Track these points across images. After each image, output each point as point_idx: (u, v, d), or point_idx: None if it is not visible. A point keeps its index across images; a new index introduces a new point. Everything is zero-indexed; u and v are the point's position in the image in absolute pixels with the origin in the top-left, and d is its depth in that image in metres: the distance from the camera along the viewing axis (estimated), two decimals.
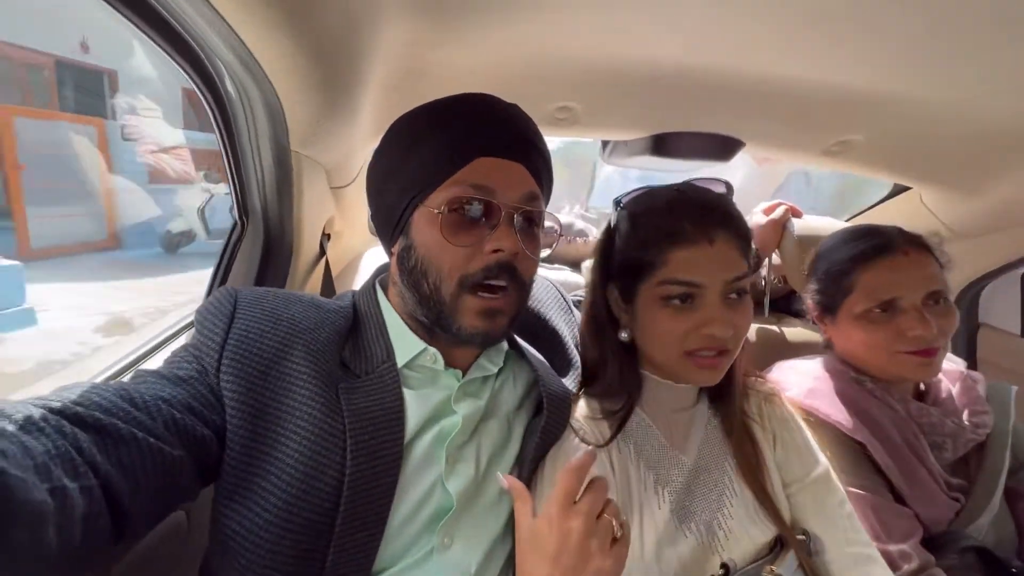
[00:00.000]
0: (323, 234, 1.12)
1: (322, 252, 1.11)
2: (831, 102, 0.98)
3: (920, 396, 0.92)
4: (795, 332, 1.44)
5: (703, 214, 0.67)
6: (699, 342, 0.66)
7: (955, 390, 0.92)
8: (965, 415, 0.89)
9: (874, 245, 0.88)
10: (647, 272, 0.68)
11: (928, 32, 0.71)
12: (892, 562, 0.74)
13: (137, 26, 0.53)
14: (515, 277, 0.62)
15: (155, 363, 0.64)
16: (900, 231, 0.89)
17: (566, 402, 0.71)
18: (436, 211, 0.60)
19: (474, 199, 0.60)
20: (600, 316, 0.75)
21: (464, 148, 0.61)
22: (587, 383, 0.77)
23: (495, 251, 0.60)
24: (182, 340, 0.84)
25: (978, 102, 0.93)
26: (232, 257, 0.90)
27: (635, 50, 0.84)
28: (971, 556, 0.83)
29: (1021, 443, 0.91)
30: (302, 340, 0.60)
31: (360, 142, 0.95)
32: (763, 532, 0.69)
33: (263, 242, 0.92)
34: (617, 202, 0.75)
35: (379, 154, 0.67)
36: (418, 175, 0.62)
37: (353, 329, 0.66)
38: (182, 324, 0.87)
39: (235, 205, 0.85)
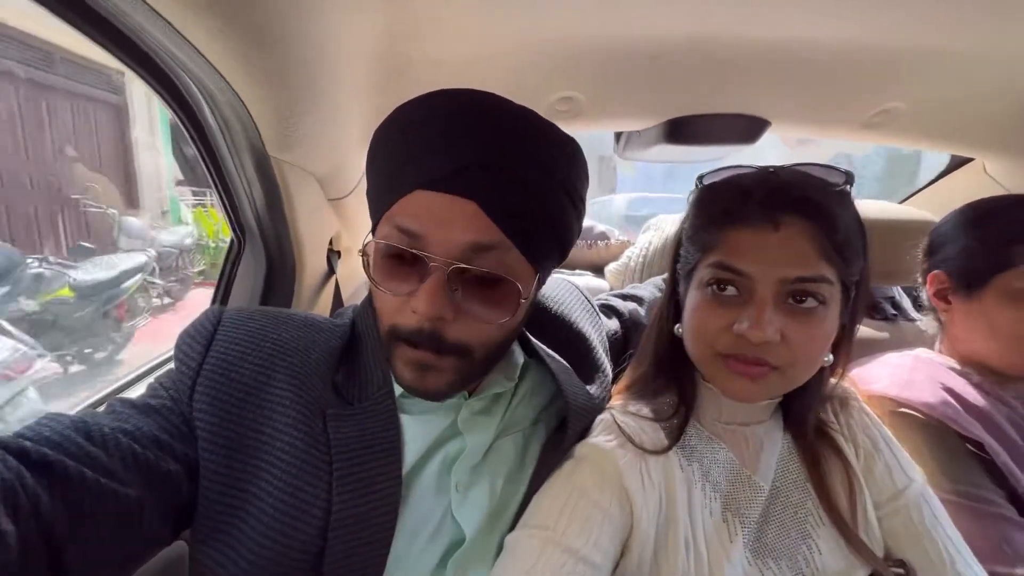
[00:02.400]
0: (331, 250, 1.09)
1: (331, 270, 1.09)
2: (864, 66, 0.88)
3: None
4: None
5: (773, 193, 0.55)
6: (731, 344, 0.55)
7: None
8: None
9: None
10: (704, 253, 0.58)
11: None
12: None
13: (94, 39, 0.51)
14: (443, 345, 0.51)
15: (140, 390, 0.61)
16: None
17: (591, 415, 0.64)
18: (361, 251, 0.53)
19: (395, 249, 0.50)
20: (665, 306, 0.66)
21: (399, 177, 0.50)
22: (632, 383, 0.68)
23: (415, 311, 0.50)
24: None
25: None
26: (231, 278, 0.88)
27: (636, 26, 0.78)
28: None
29: None
30: (287, 363, 0.54)
31: (352, 148, 0.92)
32: (859, 568, 0.58)
33: (264, 261, 0.89)
34: (700, 178, 0.65)
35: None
36: (371, 203, 0.55)
37: (349, 349, 0.60)
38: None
39: (229, 222, 0.83)
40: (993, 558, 0.61)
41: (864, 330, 1.28)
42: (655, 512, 0.57)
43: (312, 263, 0.99)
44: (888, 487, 0.62)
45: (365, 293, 1.29)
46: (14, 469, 0.39)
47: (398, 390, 0.57)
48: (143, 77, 0.59)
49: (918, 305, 1.31)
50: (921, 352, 0.85)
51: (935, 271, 0.84)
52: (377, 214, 0.54)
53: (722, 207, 0.58)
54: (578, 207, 0.57)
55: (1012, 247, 0.75)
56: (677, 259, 0.65)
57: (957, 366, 0.79)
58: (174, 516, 0.50)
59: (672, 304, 0.65)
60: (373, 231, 0.56)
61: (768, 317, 0.52)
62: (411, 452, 0.55)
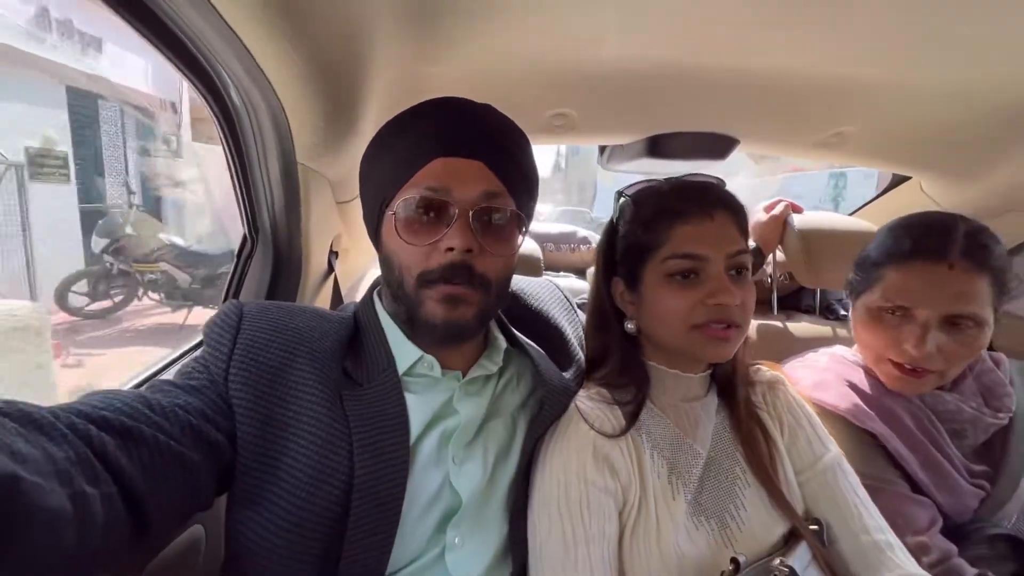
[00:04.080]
0: (331, 251, 1.14)
1: (330, 269, 1.13)
2: (822, 94, 1.00)
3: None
4: (802, 328, 1.43)
5: (702, 193, 0.69)
6: (706, 314, 0.66)
7: (972, 374, 0.88)
8: (985, 399, 0.86)
9: (920, 246, 0.79)
10: (652, 252, 0.69)
11: (913, 17, 0.72)
12: (910, 554, 0.71)
13: (143, 35, 0.55)
14: (474, 276, 0.62)
15: (168, 375, 0.65)
16: (971, 234, 0.78)
17: (566, 394, 0.72)
18: (392, 213, 0.63)
19: (425, 199, 0.61)
20: (605, 308, 0.76)
21: (420, 151, 0.62)
22: (592, 372, 0.77)
23: (449, 249, 0.60)
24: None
25: (970, 86, 0.94)
26: (243, 273, 0.92)
27: (626, 52, 0.87)
28: (1003, 545, 0.80)
29: None
30: (306, 349, 0.61)
31: None
32: (779, 523, 0.68)
33: (273, 259, 0.94)
34: (619, 193, 0.76)
35: (359, 168, 0.71)
36: (383, 181, 0.65)
37: (355, 339, 0.67)
38: (193, 343, 0.89)
39: (244, 221, 0.87)
40: (890, 528, 0.71)
41: (817, 328, 1.42)
42: (632, 480, 0.67)
43: (316, 262, 1.03)
44: (808, 455, 0.74)
45: (360, 290, 1.35)
46: (96, 439, 0.44)
47: (400, 369, 0.65)
48: (196, 87, 0.63)
49: None
50: (837, 350, 0.95)
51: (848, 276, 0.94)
52: (395, 187, 0.63)
53: (664, 210, 0.70)
54: (536, 175, 0.71)
55: (879, 268, 0.83)
56: (611, 271, 0.76)
57: (864, 363, 0.89)
58: (218, 479, 0.56)
59: (613, 310, 0.76)
60: (378, 214, 0.65)
61: (729, 286, 0.65)
62: (415, 425, 0.63)
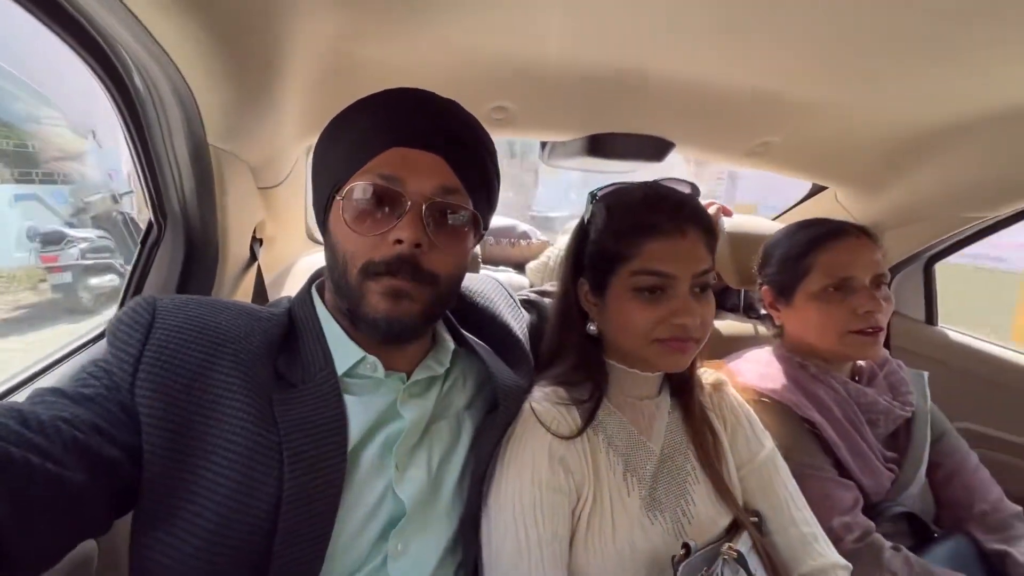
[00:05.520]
0: (254, 239, 1.07)
1: (253, 258, 1.06)
2: (751, 105, 1.05)
3: (855, 378, 1.00)
4: (729, 325, 1.51)
5: (677, 209, 0.69)
6: (668, 331, 0.67)
7: (882, 373, 1.02)
8: (893, 395, 0.99)
9: (831, 229, 0.96)
10: (620, 263, 0.69)
11: (834, 43, 0.77)
12: (836, 535, 0.79)
13: (30, 11, 0.48)
14: (420, 272, 0.59)
15: (56, 379, 0.58)
16: (849, 222, 0.98)
17: (519, 393, 0.71)
18: (341, 199, 0.59)
19: (378, 187, 0.58)
20: (569, 308, 0.76)
21: (376, 138, 0.60)
22: (544, 369, 0.77)
23: (397, 242, 0.58)
24: (87, 355, 0.77)
25: (878, 108, 1.02)
26: (148, 263, 0.83)
27: (566, 52, 0.86)
28: (903, 523, 0.92)
29: (935, 421, 1.02)
30: (230, 350, 0.56)
31: (288, 141, 0.91)
32: (723, 515, 0.72)
33: (184, 246, 0.86)
34: (593, 195, 0.75)
35: (313, 151, 0.66)
36: (336, 166, 0.61)
37: (289, 338, 0.62)
38: (88, 338, 0.80)
39: (149, 205, 0.79)
40: (819, 511, 0.78)
41: (741, 326, 1.50)
42: (586, 477, 0.67)
43: (235, 250, 0.96)
44: (746, 452, 0.79)
45: (288, 281, 1.28)
46: None
47: (340, 370, 0.61)
48: (92, 68, 0.55)
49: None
50: (774, 348, 1.05)
51: (764, 287, 1.06)
52: (347, 173, 0.60)
53: (636, 222, 0.69)
54: (498, 180, 0.70)
55: (807, 257, 0.96)
56: (578, 272, 0.76)
57: (798, 359, 0.99)
58: (116, 501, 0.50)
59: (577, 309, 0.76)
60: (328, 200, 0.62)
61: (692, 305, 0.67)
62: (354, 431, 0.59)
